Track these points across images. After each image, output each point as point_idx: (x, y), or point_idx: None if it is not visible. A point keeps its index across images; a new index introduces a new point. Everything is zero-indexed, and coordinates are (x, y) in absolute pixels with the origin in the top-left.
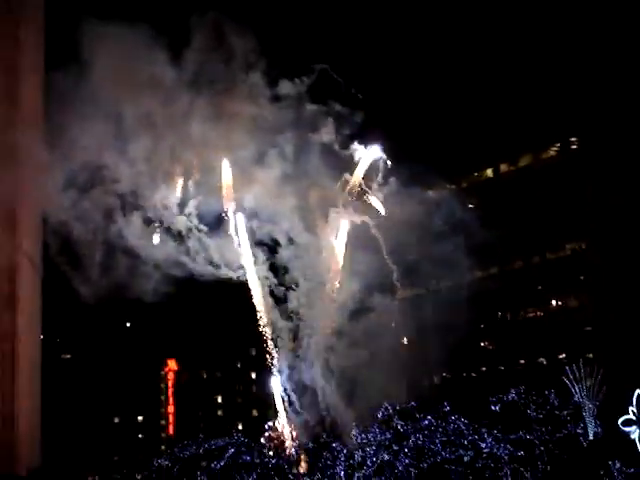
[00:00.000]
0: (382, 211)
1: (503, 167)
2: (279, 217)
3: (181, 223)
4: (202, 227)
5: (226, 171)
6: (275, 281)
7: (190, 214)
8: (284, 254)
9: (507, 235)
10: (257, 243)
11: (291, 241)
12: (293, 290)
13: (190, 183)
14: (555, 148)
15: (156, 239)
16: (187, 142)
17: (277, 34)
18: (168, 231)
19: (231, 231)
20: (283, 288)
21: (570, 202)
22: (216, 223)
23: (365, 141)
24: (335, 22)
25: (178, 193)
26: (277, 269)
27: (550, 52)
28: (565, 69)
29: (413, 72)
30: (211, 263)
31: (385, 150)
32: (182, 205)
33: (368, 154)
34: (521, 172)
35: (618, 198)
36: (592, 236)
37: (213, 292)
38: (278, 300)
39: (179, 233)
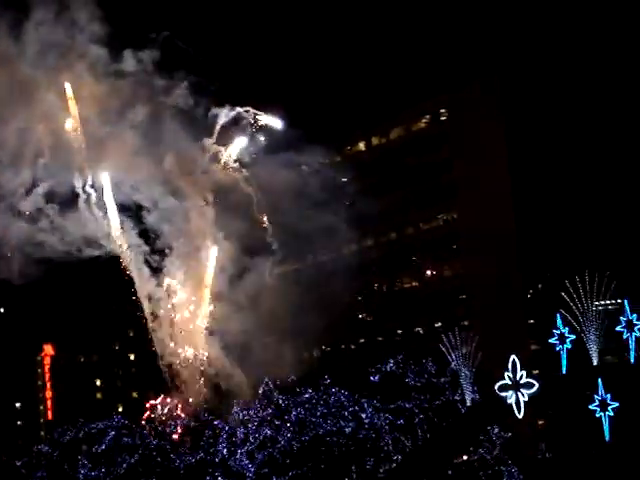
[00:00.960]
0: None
1: (375, 140)
2: (142, 184)
3: (33, 204)
4: (56, 207)
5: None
6: (147, 249)
7: (43, 194)
8: (151, 220)
9: (381, 207)
10: (122, 209)
11: (156, 206)
12: (167, 256)
13: (41, 162)
14: (425, 120)
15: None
16: (35, 121)
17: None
18: (20, 214)
19: (91, 205)
20: (157, 257)
21: (440, 172)
22: (72, 201)
23: (233, 107)
24: None
25: (29, 174)
26: (148, 236)
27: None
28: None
29: (280, 40)
30: (75, 242)
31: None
32: (34, 186)
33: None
34: (392, 144)
35: (482, 167)
36: (462, 206)
37: (86, 273)
38: (154, 270)
39: (30, 214)
